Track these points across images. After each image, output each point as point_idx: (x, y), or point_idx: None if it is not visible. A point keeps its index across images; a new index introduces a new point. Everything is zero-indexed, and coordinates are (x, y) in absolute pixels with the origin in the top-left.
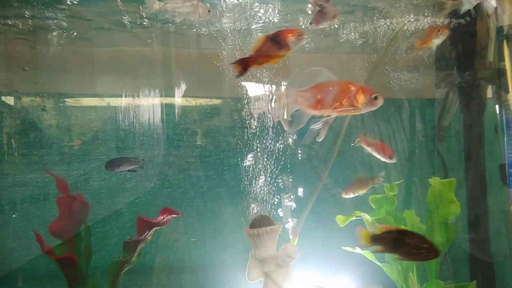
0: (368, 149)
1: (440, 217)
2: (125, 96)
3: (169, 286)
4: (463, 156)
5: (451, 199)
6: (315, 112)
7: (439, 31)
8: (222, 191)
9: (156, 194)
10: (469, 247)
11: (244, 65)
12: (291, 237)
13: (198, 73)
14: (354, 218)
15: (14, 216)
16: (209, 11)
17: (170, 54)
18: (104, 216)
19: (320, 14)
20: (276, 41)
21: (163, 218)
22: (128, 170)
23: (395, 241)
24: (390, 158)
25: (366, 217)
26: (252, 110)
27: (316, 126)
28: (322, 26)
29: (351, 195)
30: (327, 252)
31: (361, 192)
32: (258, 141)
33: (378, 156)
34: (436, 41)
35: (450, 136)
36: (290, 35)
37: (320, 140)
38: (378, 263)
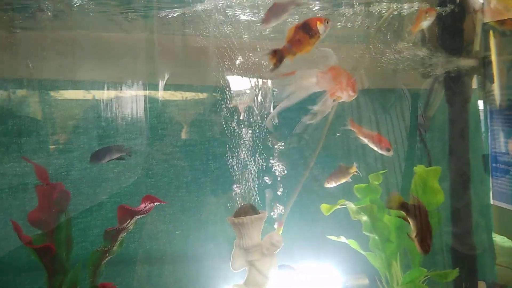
0: (365, 140)
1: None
2: (107, 84)
3: (151, 277)
4: (446, 149)
5: (435, 187)
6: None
7: (426, 13)
8: (206, 181)
9: (139, 184)
10: (452, 239)
11: (279, 57)
12: (275, 226)
13: (183, 61)
14: (338, 206)
15: None
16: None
17: (154, 41)
18: (86, 207)
19: (270, 11)
20: (306, 30)
21: (145, 206)
22: (115, 159)
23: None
24: (388, 150)
25: (351, 205)
26: (238, 102)
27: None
28: (273, 24)
29: (333, 184)
30: (312, 241)
31: (343, 180)
32: (244, 131)
33: (375, 148)
34: (425, 23)
35: (433, 128)
36: (319, 22)
37: (311, 122)
38: (362, 252)
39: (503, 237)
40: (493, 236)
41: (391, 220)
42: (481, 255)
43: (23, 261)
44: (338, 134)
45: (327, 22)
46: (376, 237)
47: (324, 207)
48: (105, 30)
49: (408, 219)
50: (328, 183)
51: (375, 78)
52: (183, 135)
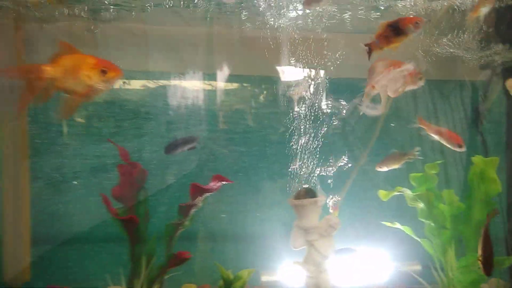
0: (435, 137)
1: (481, 195)
2: (173, 74)
3: (213, 253)
4: (502, 141)
5: (493, 177)
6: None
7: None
8: (263, 166)
9: (202, 167)
10: (507, 229)
11: (368, 50)
12: (331, 210)
13: (241, 54)
14: (396, 193)
15: (75, 183)
16: None
17: (216, 34)
18: (155, 186)
19: None
20: (394, 28)
21: (214, 185)
22: (187, 150)
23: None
24: (460, 146)
25: (408, 192)
26: (292, 92)
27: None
28: (314, 8)
29: (384, 169)
30: (365, 226)
31: (394, 166)
32: (299, 119)
33: (447, 144)
34: (484, 9)
35: (490, 119)
36: (409, 23)
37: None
38: (417, 238)
39: None
40: None
41: (446, 208)
42: None
43: (101, 233)
44: (392, 125)
45: (417, 23)
46: (432, 224)
47: (381, 193)
48: (171, 23)
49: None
50: (379, 167)
51: (433, 69)
52: (242, 123)
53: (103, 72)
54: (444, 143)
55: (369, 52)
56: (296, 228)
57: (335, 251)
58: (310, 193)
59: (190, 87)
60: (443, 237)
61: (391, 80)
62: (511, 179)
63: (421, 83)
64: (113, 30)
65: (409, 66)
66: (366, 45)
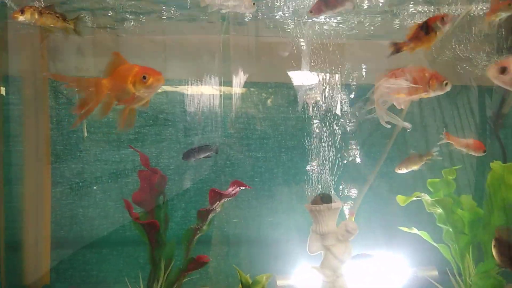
0: (463, 150)
1: (500, 200)
2: (190, 82)
3: (228, 256)
4: None
5: (511, 183)
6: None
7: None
8: (279, 171)
9: (218, 172)
10: None
11: (396, 48)
12: (347, 215)
13: (257, 60)
14: (414, 198)
15: (94, 188)
16: (254, 3)
17: (231, 42)
18: (173, 191)
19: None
20: (424, 28)
21: (232, 190)
22: (204, 157)
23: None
24: (484, 152)
25: (426, 197)
26: (306, 98)
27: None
28: (324, 15)
29: (404, 171)
30: (382, 231)
31: (414, 167)
32: (314, 125)
33: (472, 153)
34: (503, 14)
35: (507, 125)
36: (435, 20)
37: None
38: (434, 244)
39: None
40: None
41: (464, 214)
42: None
43: (120, 237)
44: (408, 130)
45: (443, 19)
46: (450, 229)
47: (400, 198)
48: (188, 32)
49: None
50: (399, 169)
51: (452, 74)
52: (258, 129)
53: (144, 78)
54: (470, 153)
55: (396, 50)
56: (313, 233)
57: (352, 257)
58: (326, 199)
59: (207, 94)
60: (461, 243)
61: (392, 90)
62: None
63: (447, 88)
64: (134, 39)
65: (406, 77)
66: (395, 43)
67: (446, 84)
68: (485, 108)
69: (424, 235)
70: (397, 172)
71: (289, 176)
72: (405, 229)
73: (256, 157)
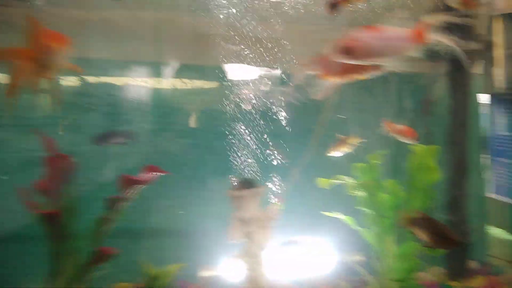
0: (394, 135)
1: (420, 183)
2: (118, 63)
3: (154, 250)
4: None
5: (431, 165)
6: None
7: None
8: (210, 159)
9: (147, 161)
10: (447, 222)
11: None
12: (275, 201)
13: (191, 43)
14: (335, 181)
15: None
16: None
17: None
18: (93, 180)
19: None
20: None
21: (145, 176)
22: (117, 143)
23: (425, 227)
24: (417, 140)
25: (348, 180)
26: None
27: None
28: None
29: (337, 154)
30: (309, 216)
31: (346, 150)
32: (246, 112)
33: (405, 140)
34: None
35: (436, 112)
36: None
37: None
38: (357, 228)
39: (499, 229)
40: (489, 228)
41: (386, 197)
42: (473, 237)
43: (28, 231)
44: (339, 116)
45: None
46: (372, 213)
47: (321, 181)
48: (111, 7)
49: (419, 232)
50: (331, 152)
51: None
52: (188, 115)
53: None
54: (402, 139)
55: (333, 11)
56: (234, 220)
57: (279, 244)
58: (248, 184)
59: (135, 78)
60: (382, 226)
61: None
62: (453, 172)
63: (381, 71)
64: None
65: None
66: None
67: (380, 67)
68: (414, 94)
69: (348, 219)
70: (331, 155)
71: (220, 164)
72: (329, 214)
73: (187, 145)
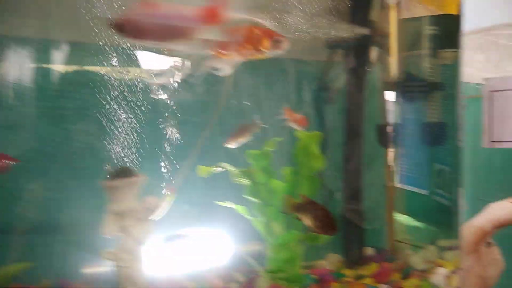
0: (291, 123)
1: (306, 169)
2: None
3: (31, 246)
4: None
5: (315, 152)
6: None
7: None
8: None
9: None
10: (343, 208)
11: None
12: (167, 192)
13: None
14: (216, 169)
15: None
16: None
17: None
18: None
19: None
20: None
21: None
22: None
23: (309, 212)
24: (306, 128)
25: (231, 168)
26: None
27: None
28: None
29: (234, 145)
30: (204, 207)
31: (243, 140)
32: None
33: (296, 127)
34: None
35: (333, 100)
36: None
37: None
38: (248, 217)
39: (406, 216)
40: (397, 215)
41: (273, 184)
42: (372, 225)
43: None
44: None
45: None
46: (258, 201)
47: (202, 169)
48: None
49: (304, 217)
50: (229, 143)
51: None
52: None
53: None
54: (295, 126)
55: None
56: (109, 213)
57: (165, 238)
58: (124, 173)
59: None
60: (269, 215)
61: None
62: (346, 161)
63: (284, 46)
64: None
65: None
66: None
67: (281, 42)
68: (312, 83)
69: (240, 208)
70: (227, 146)
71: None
72: (221, 203)
73: (70, 131)
